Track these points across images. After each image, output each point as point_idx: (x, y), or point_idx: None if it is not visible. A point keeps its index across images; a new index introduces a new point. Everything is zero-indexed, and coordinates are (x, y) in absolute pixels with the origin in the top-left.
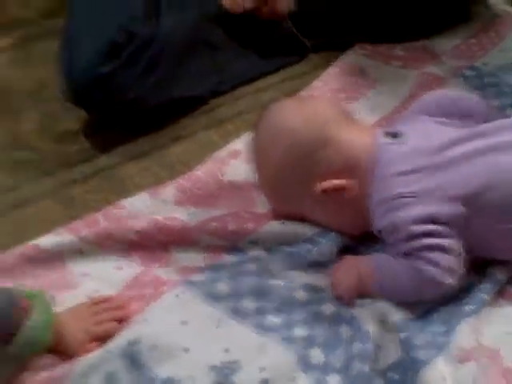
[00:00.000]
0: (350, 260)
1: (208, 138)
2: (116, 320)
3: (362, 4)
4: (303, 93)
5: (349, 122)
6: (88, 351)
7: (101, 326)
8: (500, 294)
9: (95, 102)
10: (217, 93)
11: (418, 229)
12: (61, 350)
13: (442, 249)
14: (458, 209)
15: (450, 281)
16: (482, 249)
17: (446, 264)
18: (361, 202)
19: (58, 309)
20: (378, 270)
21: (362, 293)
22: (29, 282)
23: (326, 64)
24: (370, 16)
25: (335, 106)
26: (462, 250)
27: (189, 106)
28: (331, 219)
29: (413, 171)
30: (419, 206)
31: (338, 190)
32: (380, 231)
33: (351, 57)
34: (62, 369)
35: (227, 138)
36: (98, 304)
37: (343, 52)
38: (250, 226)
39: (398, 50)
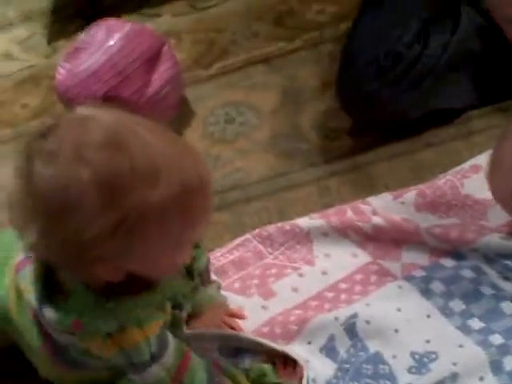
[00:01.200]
0: None
1: (455, 148)
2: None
3: None
4: None
5: None
6: None
7: None
8: None
9: (360, 113)
10: (473, 106)
11: None
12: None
13: None
14: None
15: None
16: None
17: None
18: None
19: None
20: None
21: None
22: (282, 251)
23: None
24: None
25: None
26: None
27: (443, 115)
28: None
29: None
30: None
31: None
32: None
33: None
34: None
35: (473, 150)
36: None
37: None
38: (471, 236)
39: None
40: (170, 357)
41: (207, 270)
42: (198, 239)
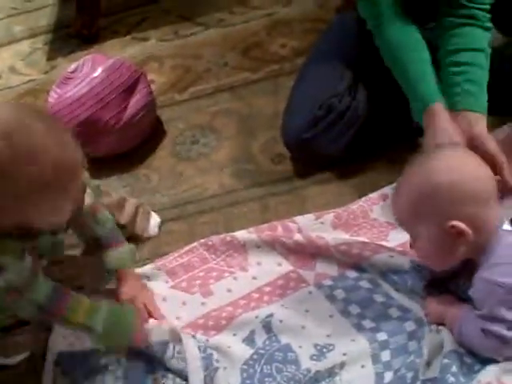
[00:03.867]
0: (444, 299)
1: (377, 176)
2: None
3: None
4: None
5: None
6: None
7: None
8: None
9: (300, 155)
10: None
11: (505, 315)
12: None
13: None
14: None
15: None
16: None
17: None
18: (466, 252)
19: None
20: (461, 325)
21: (447, 325)
22: (222, 257)
23: None
24: None
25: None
26: None
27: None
28: (429, 251)
29: None
30: None
31: (460, 232)
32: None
33: None
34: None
35: (393, 178)
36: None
37: None
38: (367, 253)
39: None
40: (15, 277)
41: (112, 236)
42: (75, 204)
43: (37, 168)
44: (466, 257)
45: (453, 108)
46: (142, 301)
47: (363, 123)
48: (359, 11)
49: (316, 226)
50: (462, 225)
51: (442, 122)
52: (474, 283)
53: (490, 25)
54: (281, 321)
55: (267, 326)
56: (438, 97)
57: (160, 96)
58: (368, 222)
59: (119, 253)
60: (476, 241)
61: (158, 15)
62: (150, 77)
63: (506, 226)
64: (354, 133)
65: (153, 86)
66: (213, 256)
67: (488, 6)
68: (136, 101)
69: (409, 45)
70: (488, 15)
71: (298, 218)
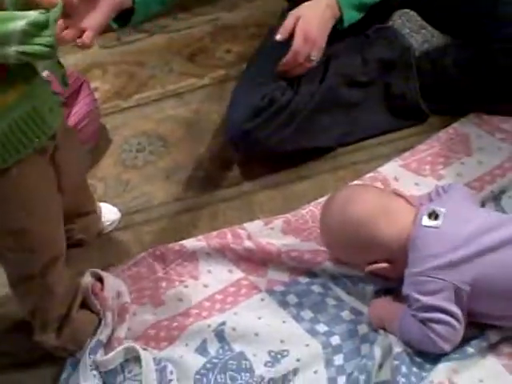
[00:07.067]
0: (384, 302)
1: (324, 181)
2: None
3: (491, 75)
4: (407, 154)
5: (392, 211)
6: None
7: None
8: (488, 349)
9: (244, 148)
10: (343, 144)
11: (433, 302)
12: None
13: (447, 323)
14: (466, 288)
15: (448, 347)
16: (482, 319)
17: (448, 337)
18: (398, 273)
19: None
20: (400, 322)
21: (387, 328)
22: (172, 267)
23: (443, 127)
24: (495, 86)
25: (384, 197)
26: (464, 323)
27: (319, 150)
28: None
29: (442, 256)
30: (439, 285)
31: (379, 269)
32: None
33: (463, 124)
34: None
35: (339, 183)
36: None
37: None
38: (319, 258)
39: (507, 124)
40: None
41: None
42: None
43: None
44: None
45: None
46: None
47: (305, 119)
48: None
49: (266, 231)
50: (377, 266)
51: None
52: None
53: None
54: (234, 329)
55: (220, 335)
56: None
57: (104, 103)
58: (317, 226)
59: None
60: (398, 257)
61: None
62: (93, 84)
63: (425, 221)
64: (297, 126)
65: (96, 94)
66: (162, 265)
67: None
68: (79, 108)
69: None
70: None
71: (248, 225)
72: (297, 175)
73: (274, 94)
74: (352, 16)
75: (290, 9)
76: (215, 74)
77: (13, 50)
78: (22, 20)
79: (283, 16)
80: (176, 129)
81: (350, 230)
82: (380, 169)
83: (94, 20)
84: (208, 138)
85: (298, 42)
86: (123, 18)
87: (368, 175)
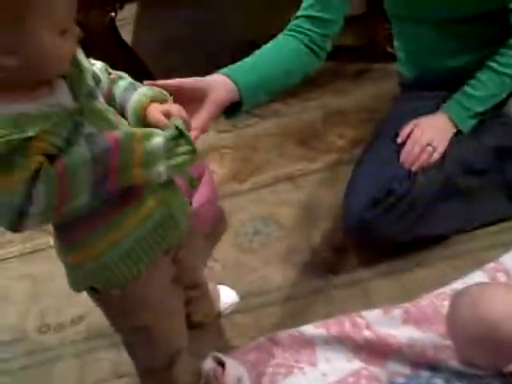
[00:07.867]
0: None
1: (441, 269)
2: None
3: None
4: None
5: None
6: None
7: None
8: None
9: (360, 236)
10: (460, 231)
11: None
12: None
13: None
14: None
15: None
16: None
17: None
18: None
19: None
20: None
21: None
22: (290, 352)
23: None
24: None
25: None
26: None
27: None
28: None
29: None
30: None
31: None
32: None
33: None
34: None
35: (457, 272)
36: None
37: None
38: (443, 356)
39: None
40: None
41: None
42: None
43: None
44: None
45: None
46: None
47: (423, 208)
48: None
49: (385, 321)
50: None
51: None
52: None
53: None
54: None
55: None
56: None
57: (221, 186)
58: (439, 317)
59: (137, 93)
60: None
61: None
62: (210, 167)
63: None
64: (415, 216)
65: (214, 177)
66: (280, 351)
67: None
68: (200, 195)
69: None
70: None
71: (366, 313)
72: (413, 263)
73: (391, 184)
74: (470, 124)
75: (403, 94)
76: (328, 158)
77: (163, 167)
78: (158, 136)
79: (395, 101)
80: (290, 212)
81: (484, 330)
82: (501, 259)
83: (200, 121)
84: (322, 222)
85: (405, 151)
86: (232, 108)
87: (488, 265)
